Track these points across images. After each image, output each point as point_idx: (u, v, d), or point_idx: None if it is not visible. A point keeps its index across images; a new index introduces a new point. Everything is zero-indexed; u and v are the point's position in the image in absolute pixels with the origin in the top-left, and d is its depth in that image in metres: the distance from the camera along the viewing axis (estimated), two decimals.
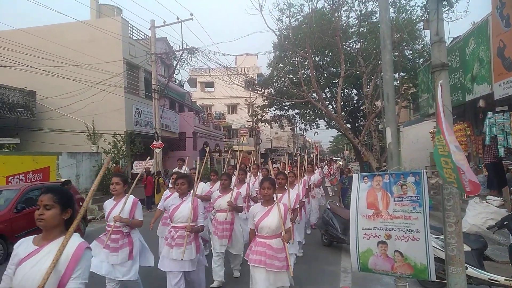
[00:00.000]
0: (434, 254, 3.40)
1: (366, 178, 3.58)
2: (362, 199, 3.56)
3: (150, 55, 16.82)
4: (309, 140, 68.49)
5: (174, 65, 18.73)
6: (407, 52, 15.67)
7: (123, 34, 17.64)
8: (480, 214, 7.78)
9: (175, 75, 20.87)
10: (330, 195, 16.40)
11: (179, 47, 17.23)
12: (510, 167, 9.50)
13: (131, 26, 19.24)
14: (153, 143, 16.31)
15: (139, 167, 14.97)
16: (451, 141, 2.61)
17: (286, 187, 5.24)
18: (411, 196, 3.37)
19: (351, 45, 17.62)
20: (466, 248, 4.68)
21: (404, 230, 3.34)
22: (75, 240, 2.01)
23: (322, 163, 21.38)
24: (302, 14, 15.37)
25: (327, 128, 23.61)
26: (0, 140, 12.79)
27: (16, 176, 10.72)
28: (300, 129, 25.30)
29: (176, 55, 18.51)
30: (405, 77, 16.03)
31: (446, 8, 9.50)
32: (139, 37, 20.24)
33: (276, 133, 44.20)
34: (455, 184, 2.64)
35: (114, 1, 43.17)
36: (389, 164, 3.72)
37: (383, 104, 6.30)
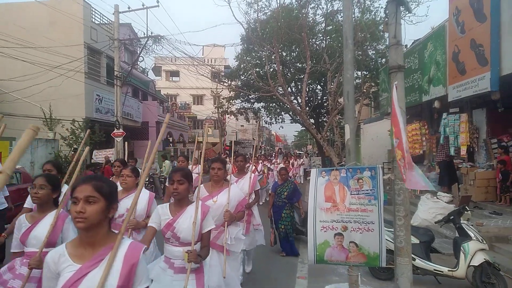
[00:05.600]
0: (385, 246, 3.59)
1: (323, 172, 3.71)
2: (320, 193, 3.68)
3: (113, 41, 16.26)
4: (274, 133, 68.99)
5: (138, 52, 18.21)
6: (370, 51, 16.13)
7: (84, 18, 16.89)
8: (431, 209, 8.20)
9: (139, 62, 20.30)
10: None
11: (144, 34, 16.77)
12: (460, 166, 10.11)
13: (93, 10, 18.48)
14: (114, 132, 15.85)
15: (99, 156, 14.50)
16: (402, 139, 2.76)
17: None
18: (367, 190, 3.53)
19: (317, 42, 17.90)
20: (415, 240, 4.96)
21: (359, 222, 3.49)
22: None
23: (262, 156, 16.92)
24: (270, 8, 15.44)
25: (291, 123, 23.92)
26: None
27: None
28: (266, 122, 25.45)
29: (141, 42, 17.99)
30: (367, 76, 16.50)
31: (405, 14, 9.90)
32: (101, 22, 19.47)
33: (242, 125, 44.22)
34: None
35: None
36: (347, 159, 3.87)
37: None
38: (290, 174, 12.63)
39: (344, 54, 3.73)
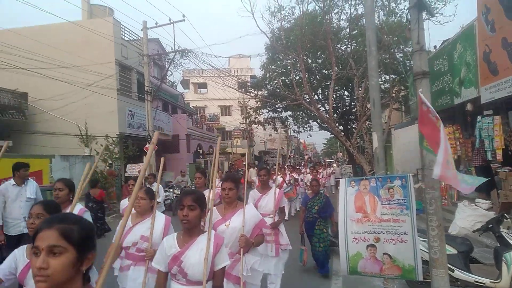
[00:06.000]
0: (421, 257, 3.47)
1: (353, 182, 3.65)
2: (350, 203, 3.63)
3: (142, 57, 16.80)
4: (303, 141, 68.50)
5: (167, 66, 18.72)
6: (398, 54, 15.81)
7: (115, 35, 17.58)
8: (469, 217, 7.86)
9: (167, 76, 20.85)
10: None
11: (172, 48, 17.25)
12: (498, 170, 9.64)
13: (123, 27, 19.21)
14: (146, 146, 16.28)
15: (133, 170, 14.93)
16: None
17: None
18: (398, 199, 3.44)
19: (342, 48, 17.75)
20: (453, 251, 4.77)
21: (392, 233, 3.41)
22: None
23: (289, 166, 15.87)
24: (293, 16, 15.50)
25: (320, 130, 23.73)
26: None
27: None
28: (294, 131, 25.37)
29: (169, 57, 18.51)
30: (396, 80, 16.15)
31: (428, 17, 9.64)
32: (131, 38, 20.21)
33: (270, 135, 44.29)
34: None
35: (106, 1, 42.96)
36: (376, 169, 3.79)
37: None
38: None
39: (368, 61, 3.69)
